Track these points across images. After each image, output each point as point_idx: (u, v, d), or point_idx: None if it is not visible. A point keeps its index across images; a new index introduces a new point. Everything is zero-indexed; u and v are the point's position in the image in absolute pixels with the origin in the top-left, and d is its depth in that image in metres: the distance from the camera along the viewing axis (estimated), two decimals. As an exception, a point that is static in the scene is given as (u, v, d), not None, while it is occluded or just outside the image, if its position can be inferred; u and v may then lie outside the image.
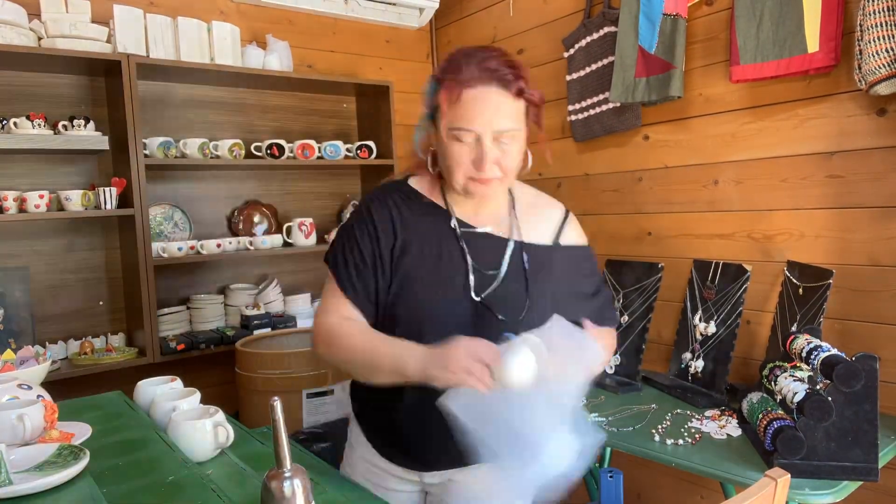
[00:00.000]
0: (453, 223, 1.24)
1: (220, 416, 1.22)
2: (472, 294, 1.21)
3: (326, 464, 1.28)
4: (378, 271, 1.22)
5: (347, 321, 1.21)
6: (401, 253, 1.22)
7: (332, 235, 2.07)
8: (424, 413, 1.18)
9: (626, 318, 2.22)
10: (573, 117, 2.56)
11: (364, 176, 3.12)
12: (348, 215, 1.47)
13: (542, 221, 1.31)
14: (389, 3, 3.03)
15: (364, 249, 1.23)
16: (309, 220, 2.75)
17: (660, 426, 1.75)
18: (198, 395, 1.35)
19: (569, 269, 1.30)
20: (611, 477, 2.02)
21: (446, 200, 1.26)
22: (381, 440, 1.33)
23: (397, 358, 1.11)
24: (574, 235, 1.33)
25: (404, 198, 1.26)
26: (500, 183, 1.19)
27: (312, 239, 2.74)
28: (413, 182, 1.30)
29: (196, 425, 1.18)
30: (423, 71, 3.31)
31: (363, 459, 1.36)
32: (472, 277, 1.21)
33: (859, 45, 1.66)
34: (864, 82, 1.65)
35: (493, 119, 1.12)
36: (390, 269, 1.22)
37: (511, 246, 1.24)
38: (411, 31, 3.25)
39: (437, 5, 3.07)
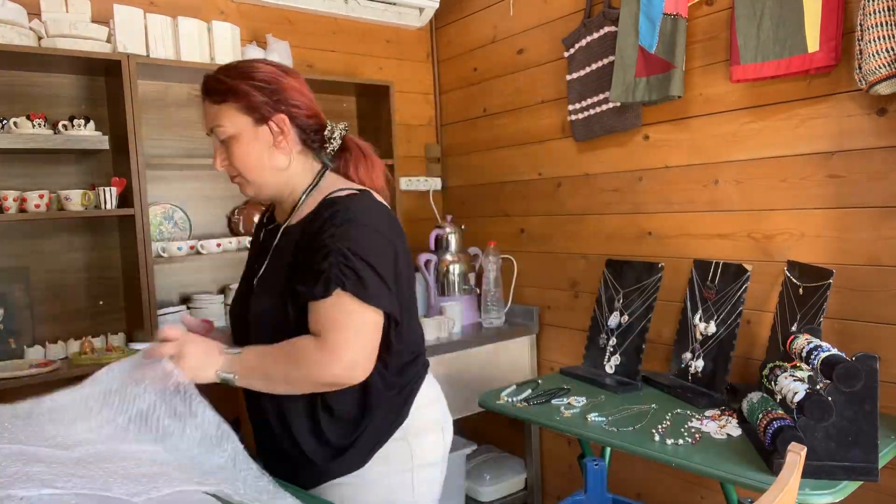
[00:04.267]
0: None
1: None
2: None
3: (294, 487, 1.17)
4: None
5: None
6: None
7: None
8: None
9: (626, 318, 2.22)
10: (573, 117, 2.56)
11: (364, 176, 3.12)
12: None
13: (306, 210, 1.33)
14: (389, 3, 3.02)
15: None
16: (309, 220, 2.74)
17: (660, 426, 1.75)
18: None
19: (298, 247, 1.29)
20: (596, 465, 2.07)
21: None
22: None
23: None
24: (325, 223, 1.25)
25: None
26: (246, 182, 1.33)
27: (312, 239, 2.74)
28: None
29: None
30: (424, 71, 3.31)
31: None
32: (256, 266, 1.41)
33: (859, 45, 1.66)
34: (864, 82, 1.65)
35: (205, 121, 1.34)
36: None
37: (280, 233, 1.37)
38: (411, 31, 3.25)
39: (437, 5, 3.07)
